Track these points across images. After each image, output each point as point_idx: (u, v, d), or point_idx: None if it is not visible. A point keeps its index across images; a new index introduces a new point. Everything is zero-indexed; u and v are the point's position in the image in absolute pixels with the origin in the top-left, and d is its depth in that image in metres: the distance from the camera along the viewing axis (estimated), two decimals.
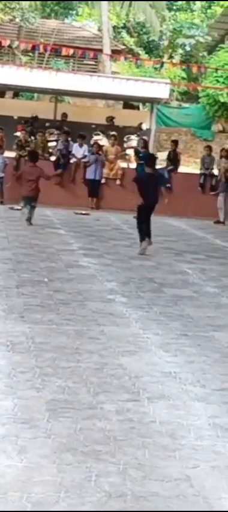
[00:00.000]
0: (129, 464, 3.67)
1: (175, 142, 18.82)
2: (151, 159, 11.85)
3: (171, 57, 35.86)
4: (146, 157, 12.63)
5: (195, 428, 4.17)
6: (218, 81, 27.89)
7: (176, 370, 5.21)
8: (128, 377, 4.98)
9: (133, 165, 19.45)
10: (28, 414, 4.16)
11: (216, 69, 26.53)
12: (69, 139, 18.00)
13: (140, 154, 17.55)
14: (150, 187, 10.83)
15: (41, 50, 25.28)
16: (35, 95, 29.94)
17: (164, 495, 3.38)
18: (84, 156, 17.20)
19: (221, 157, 17.31)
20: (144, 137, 20.12)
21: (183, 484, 3.49)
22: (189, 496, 3.38)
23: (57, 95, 26.19)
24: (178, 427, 4.18)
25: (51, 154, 18.70)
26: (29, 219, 12.72)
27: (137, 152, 18.25)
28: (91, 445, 3.84)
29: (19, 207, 14.92)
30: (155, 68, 30.83)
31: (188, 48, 36.10)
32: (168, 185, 17.49)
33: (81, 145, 17.40)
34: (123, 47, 35.90)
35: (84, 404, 4.41)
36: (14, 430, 3.92)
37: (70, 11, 40.53)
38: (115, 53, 32.01)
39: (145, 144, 18.16)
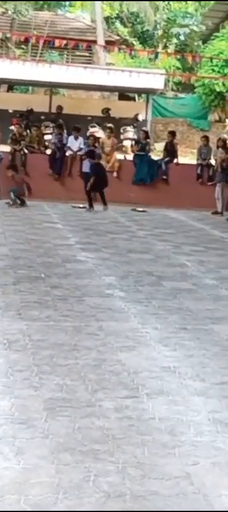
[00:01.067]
0: (128, 463, 3.62)
1: (172, 134, 18.72)
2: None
3: (165, 46, 35.74)
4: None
5: (195, 424, 4.13)
6: (213, 70, 27.80)
7: (175, 365, 5.16)
8: (127, 373, 4.94)
9: (130, 157, 19.40)
10: (25, 414, 4.11)
11: (211, 59, 26.41)
12: (65, 132, 17.92)
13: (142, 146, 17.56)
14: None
15: (34, 41, 25.10)
16: (30, 88, 29.83)
17: (163, 494, 3.33)
18: (80, 149, 17.10)
19: (218, 147, 17.23)
20: (145, 128, 20.07)
21: (183, 482, 3.45)
22: (189, 494, 3.34)
23: (52, 87, 26.10)
24: (177, 423, 4.14)
25: (47, 147, 18.61)
26: None
27: (138, 142, 18.19)
28: (89, 444, 3.79)
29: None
30: (150, 59, 30.69)
31: (182, 38, 35.97)
32: (164, 177, 17.50)
33: (76, 138, 17.31)
34: (117, 37, 35.73)
35: (82, 402, 4.36)
36: (11, 431, 3.87)
37: (63, 2, 40.32)
38: (109, 43, 31.84)
39: (146, 135, 18.13)
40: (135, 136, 22.06)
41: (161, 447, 3.83)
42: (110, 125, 19.19)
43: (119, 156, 18.98)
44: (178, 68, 33.46)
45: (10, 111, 24.11)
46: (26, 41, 26.32)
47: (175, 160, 18.01)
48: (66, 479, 3.39)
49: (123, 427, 4.04)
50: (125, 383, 4.74)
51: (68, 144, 17.22)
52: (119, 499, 3.27)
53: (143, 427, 4.06)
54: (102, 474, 3.47)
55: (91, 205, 15.01)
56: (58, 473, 3.45)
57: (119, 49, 29.38)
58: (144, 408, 4.34)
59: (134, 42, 35.80)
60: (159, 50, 34.06)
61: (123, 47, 31.69)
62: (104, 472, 3.49)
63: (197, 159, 18.21)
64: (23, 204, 13.16)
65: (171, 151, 18.04)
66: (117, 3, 36.59)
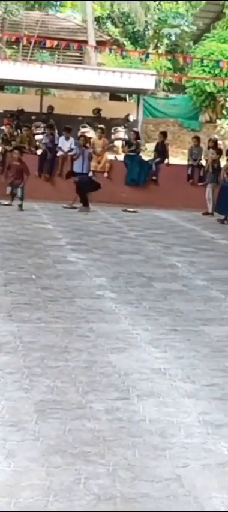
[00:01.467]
0: (119, 465, 3.63)
1: (164, 134, 18.73)
2: None
3: (156, 47, 35.78)
4: None
5: (185, 426, 4.14)
6: (204, 70, 27.85)
7: (166, 366, 5.18)
8: (118, 375, 4.94)
9: (121, 157, 19.42)
10: (16, 416, 4.11)
11: (202, 59, 26.46)
12: (56, 132, 17.91)
13: (132, 147, 17.59)
14: None
15: (25, 42, 25.08)
16: (21, 87, 29.78)
17: (154, 496, 3.34)
18: (71, 149, 17.09)
19: (209, 147, 17.29)
20: (135, 129, 20.10)
21: (174, 484, 3.46)
22: (180, 496, 3.35)
23: (43, 87, 26.08)
24: (168, 425, 4.15)
25: (37, 148, 18.58)
26: None
27: (129, 143, 18.21)
28: (80, 446, 3.80)
29: (6, 202, 14.88)
30: (141, 59, 30.72)
31: (173, 38, 36.01)
32: (154, 178, 17.52)
33: (67, 139, 17.30)
34: (108, 37, 35.72)
35: (73, 404, 4.36)
36: (2, 433, 3.87)
37: (54, 2, 40.28)
38: (100, 43, 31.85)
39: (137, 136, 18.19)
40: (126, 137, 22.11)
41: (151, 449, 3.84)
42: (101, 125, 19.19)
43: (110, 156, 18.99)
44: (169, 69, 33.49)
45: (0, 111, 24.07)
46: (17, 40, 26.30)
47: (166, 161, 18.04)
48: (57, 482, 3.39)
49: (114, 429, 4.05)
50: (116, 385, 4.75)
51: (59, 145, 17.20)
52: (109, 501, 3.27)
53: (134, 429, 4.07)
54: (92, 476, 3.47)
55: (86, 205, 15.01)
56: (49, 475, 3.45)
57: (110, 50, 29.36)
58: (135, 410, 4.35)
59: (125, 42, 35.81)
60: (150, 50, 34.12)
61: (114, 47, 31.68)
62: (95, 475, 3.49)
63: (188, 160, 18.24)
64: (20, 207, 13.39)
65: (162, 151, 18.08)
66: (108, 4, 36.57)
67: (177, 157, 23.89)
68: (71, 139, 17.35)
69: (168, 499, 3.32)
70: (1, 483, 3.34)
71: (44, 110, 24.23)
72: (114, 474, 3.52)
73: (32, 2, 34.37)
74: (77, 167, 16.81)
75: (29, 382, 4.67)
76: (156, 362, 5.29)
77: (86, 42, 30.40)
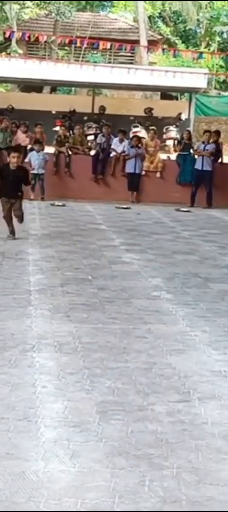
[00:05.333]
0: (183, 468, 3.62)
1: (217, 133, 18.46)
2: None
3: (208, 45, 35.47)
4: None
5: None
6: None
7: (226, 369, 5.13)
8: (178, 377, 4.93)
9: (173, 156, 19.33)
10: (79, 417, 4.15)
11: None
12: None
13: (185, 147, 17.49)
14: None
15: (79, 44, 25.30)
16: (73, 88, 30.05)
17: (219, 499, 3.32)
18: (124, 151, 17.11)
19: None
20: (188, 128, 19.98)
21: None
22: None
23: (95, 88, 26.23)
24: None
25: (90, 148, 18.68)
26: None
27: (181, 142, 18.10)
28: (143, 448, 3.80)
29: (60, 203, 15.04)
30: (193, 58, 30.51)
31: (225, 36, 35.63)
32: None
33: (121, 141, 17.31)
34: (159, 36, 35.65)
35: (134, 406, 4.37)
36: (66, 433, 3.91)
37: (106, 3, 40.51)
38: (151, 43, 31.84)
39: (189, 135, 18.10)
40: (178, 136, 21.98)
41: (215, 452, 3.81)
42: (153, 127, 19.14)
43: (162, 155, 18.92)
44: (221, 67, 33.18)
45: (53, 112, 24.36)
46: (70, 43, 26.57)
47: (219, 160, 17.83)
48: (121, 484, 3.41)
49: (176, 432, 4.04)
50: (176, 387, 4.74)
51: (113, 146, 17.25)
52: (175, 504, 3.27)
53: (196, 432, 4.05)
54: (157, 479, 3.48)
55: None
56: (113, 477, 3.47)
57: (163, 50, 29.28)
58: (197, 413, 4.33)
59: (177, 41, 35.66)
60: (202, 48, 33.84)
61: (166, 47, 31.57)
62: (159, 477, 3.49)
63: None
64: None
65: (216, 150, 17.86)
66: (159, 3, 36.46)
67: None
68: (125, 142, 17.36)
69: None
70: (67, 483, 3.38)
71: (96, 111, 24.37)
72: (178, 477, 3.51)
73: (83, 3, 34.63)
74: (129, 167, 16.85)
75: (90, 383, 4.71)
76: (216, 364, 5.24)
77: (137, 42, 30.44)
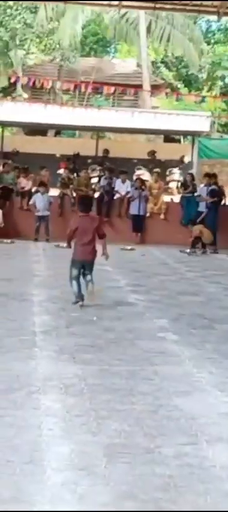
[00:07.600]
0: None
1: (214, 176, 18.20)
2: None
3: (210, 89, 35.91)
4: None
5: None
6: None
7: None
8: (185, 419, 4.88)
9: (176, 198, 19.44)
10: (85, 460, 4.10)
11: None
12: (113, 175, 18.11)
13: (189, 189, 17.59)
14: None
15: (83, 89, 25.63)
16: (77, 132, 30.38)
17: None
18: (127, 192, 17.23)
19: None
20: (191, 171, 20.11)
21: None
22: None
23: (99, 131, 26.49)
24: None
25: (94, 191, 18.81)
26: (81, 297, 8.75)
27: (185, 185, 18.22)
28: (151, 492, 3.75)
29: (64, 245, 15.04)
30: (195, 101, 30.92)
31: (227, 80, 36.09)
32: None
33: (124, 182, 17.44)
34: (162, 81, 36.13)
35: (141, 448, 4.32)
36: (73, 477, 3.86)
37: (108, 49, 41.18)
38: (154, 87, 32.25)
39: (192, 178, 18.24)
40: (181, 178, 22.13)
41: (223, 496, 3.75)
42: (157, 169, 19.31)
43: (165, 197, 19.02)
44: (223, 110, 33.53)
45: (57, 155, 24.57)
46: (75, 88, 26.96)
47: (222, 202, 17.88)
48: None
49: (184, 475, 3.98)
50: (183, 429, 4.68)
51: (116, 188, 17.37)
52: None
53: (204, 475, 3.99)
54: None
55: None
56: None
57: (166, 94, 29.65)
58: (205, 455, 4.27)
59: (179, 85, 36.12)
60: (204, 92, 34.25)
61: (169, 91, 31.98)
62: None
63: None
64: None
65: (218, 192, 17.91)
66: (161, 48, 37.00)
67: None
68: (127, 182, 17.50)
69: None
70: None
71: (100, 153, 24.58)
72: None
73: (87, 49, 35.23)
74: (134, 209, 16.95)
75: (97, 425, 4.66)
76: (223, 406, 5.20)
77: (141, 86, 30.84)
